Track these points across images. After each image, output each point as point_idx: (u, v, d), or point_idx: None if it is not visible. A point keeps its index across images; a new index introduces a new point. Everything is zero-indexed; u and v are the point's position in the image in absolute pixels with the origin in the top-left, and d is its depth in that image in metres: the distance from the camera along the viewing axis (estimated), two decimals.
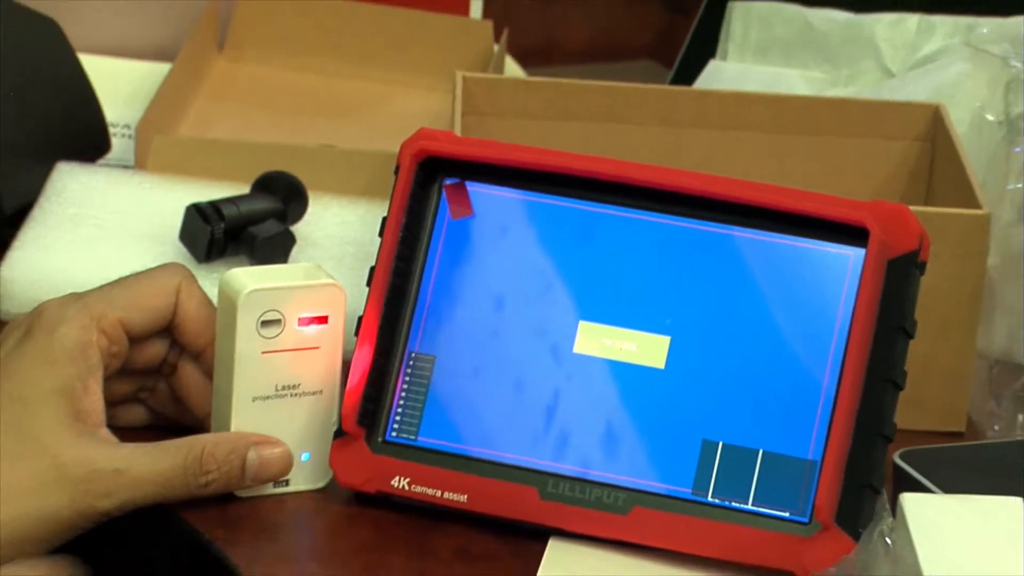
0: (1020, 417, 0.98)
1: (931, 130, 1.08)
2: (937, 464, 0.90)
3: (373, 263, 0.89)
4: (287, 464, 0.88)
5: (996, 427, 0.98)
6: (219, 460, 0.86)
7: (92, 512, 0.83)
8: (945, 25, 1.19)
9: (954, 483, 0.87)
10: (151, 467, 0.84)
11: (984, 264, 0.96)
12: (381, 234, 0.90)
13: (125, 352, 0.88)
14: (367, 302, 0.89)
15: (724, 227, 0.88)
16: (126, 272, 0.91)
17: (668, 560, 0.86)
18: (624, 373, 0.88)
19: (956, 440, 0.97)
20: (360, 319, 0.88)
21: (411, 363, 0.90)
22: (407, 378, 0.90)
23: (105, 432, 0.84)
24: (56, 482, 0.82)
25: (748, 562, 0.84)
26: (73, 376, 0.84)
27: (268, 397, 0.88)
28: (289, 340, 0.88)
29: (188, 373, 0.91)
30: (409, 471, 0.88)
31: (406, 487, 0.88)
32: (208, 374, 0.90)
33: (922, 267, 0.85)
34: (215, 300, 0.89)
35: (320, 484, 0.90)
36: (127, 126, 1.18)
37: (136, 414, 0.92)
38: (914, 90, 1.15)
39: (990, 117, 1.04)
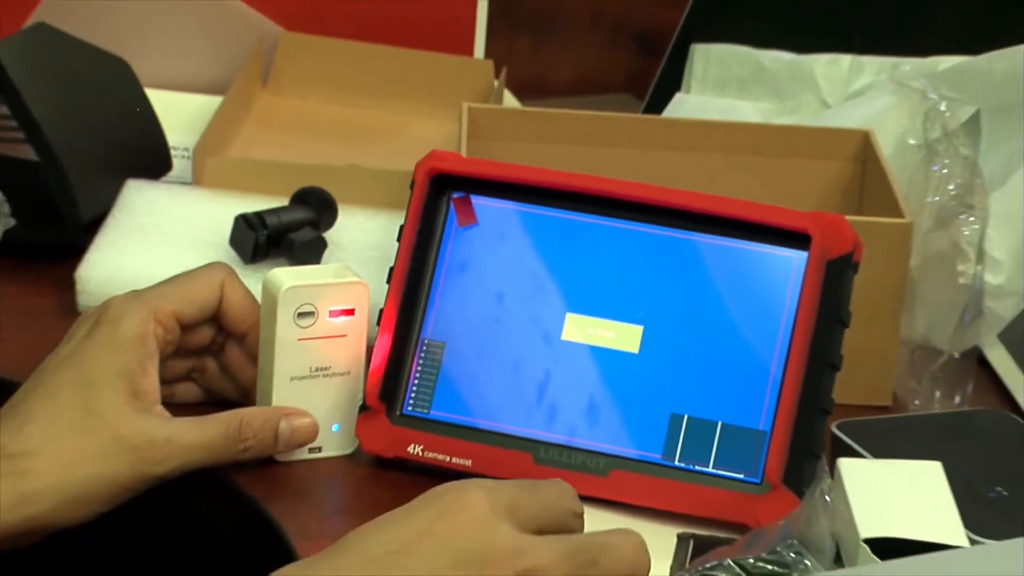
0: (937, 394, 0.97)
1: (862, 152, 1.08)
2: (868, 433, 0.90)
3: (392, 264, 0.89)
4: (313, 432, 0.88)
5: (917, 402, 0.97)
6: (255, 429, 0.86)
7: (148, 476, 0.83)
8: (873, 64, 1.20)
9: (882, 449, 0.87)
10: (198, 437, 0.84)
11: (907, 265, 0.96)
12: (399, 239, 0.89)
13: (178, 339, 0.88)
14: (387, 297, 0.89)
15: (688, 233, 0.88)
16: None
17: (642, 515, 0.85)
18: (604, 357, 0.87)
19: (884, 413, 0.97)
20: (381, 311, 0.88)
21: (424, 348, 0.89)
22: (421, 361, 0.89)
23: (159, 408, 0.84)
24: (117, 451, 0.82)
25: (709, 516, 0.84)
26: (133, 361, 0.84)
27: (304, 377, 0.88)
28: (321, 329, 0.88)
29: (233, 353, 0.91)
30: (423, 440, 0.87)
31: (420, 453, 0.87)
32: (249, 354, 0.90)
33: (855, 267, 0.85)
34: (258, 295, 0.89)
35: (348, 451, 0.90)
36: (186, 149, 1.17)
37: (190, 391, 0.92)
38: (847, 118, 1.15)
39: (911, 141, 1.04)
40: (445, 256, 0.90)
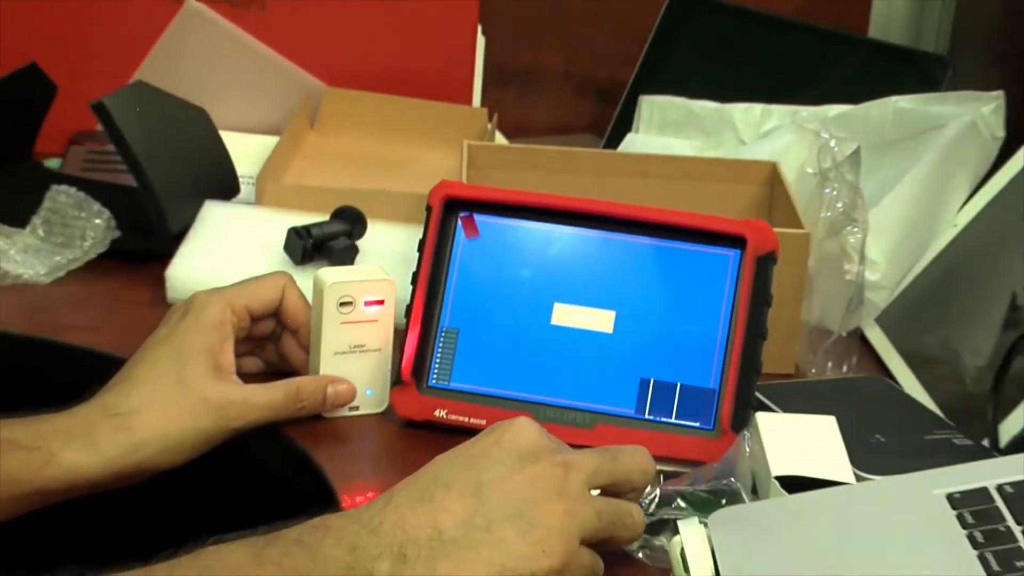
0: (829, 364, 0.97)
1: (770, 178, 1.07)
2: (778, 394, 0.90)
3: (415, 269, 0.88)
4: (352, 394, 0.88)
5: (813, 370, 0.97)
6: (309, 393, 0.86)
7: (227, 429, 0.83)
8: (779, 111, 1.20)
9: (788, 406, 0.87)
10: (266, 399, 0.84)
11: (806, 265, 0.95)
12: (419, 250, 0.89)
13: (248, 327, 0.88)
14: (413, 296, 0.88)
15: (648, 239, 0.87)
16: (249, 272, 0.91)
17: None
18: (586, 336, 0.87)
19: (788, 379, 0.96)
20: (409, 305, 0.88)
21: (443, 334, 0.88)
22: (441, 344, 0.88)
23: (235, 377, 0.85)
24: (204, 410, 0.82)
25: (674, 457, 0.83)
26: (215, 341, 0.84)
27: (344, 352, 0.87)
28: (358, 315, 0.87)
29: (289, 342, 0.91)
30: (446, 405, 0.86)
31: (444, 416, 0.86)
32: (301, 344, 0.90)
33: (776, 261, 0.85)
34: (308, 293, 0.89)
35: (379, 409, 0.89)
36: (251, 177, 1.16)
37: (255, 364, 0.92)
38: (759, 153, 1.14)
39: (809, 170, 1.03)
40: (456, 262, 0.89)
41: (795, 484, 0.74)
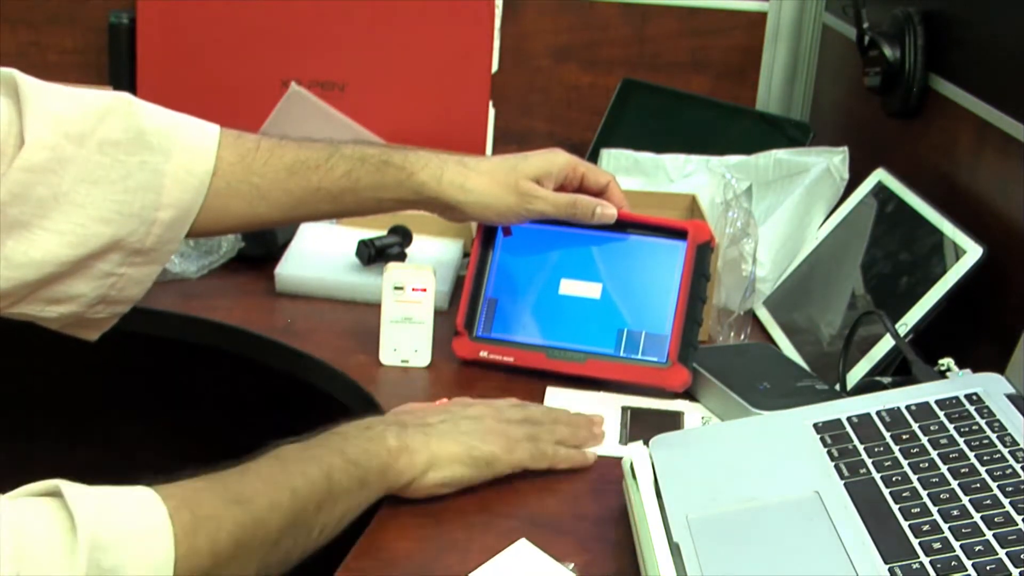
0: (731, 334, 0.97)
1: (691, 205, 1.07)
2: (698, 355, 0.87)
3: (466, 255, 0.89)
4: (612, 219, 0.84)
5: (720, 338, 0.97)
6: (582, 205, 0.83)
7: (523, 209, 0.81)
8: (696, 159, 1.18)
9: (704, 364, 0.85)
10: (555, 198, 0.82)
11: (716, 265, 0.95)
12: (471, 244, 0.88)
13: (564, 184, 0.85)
14: (467, 273, 0.87)
15: (624, 234, 0.86)
16: (339, 272, 0.91)
17: (602, 390, 0.84)
18: (582, 301, 0.86)
19: (704, 344, 0.94)
20: (464, 278, 0.88)
21: (487, 301, 0.88)
22: (485, 308, 0.88)
23: (538, 186, 0.82)
24: (515, 192, 0.80)
25: (640, 381, 0.83)
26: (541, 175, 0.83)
27: (398, 321, 0.86)
28: (407, 297, 0.86)
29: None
30: (488, 348, 0.86)
31: (486, 356, 0.86)
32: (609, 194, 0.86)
33: (711, 248, 0.85)
34: (372, 287, 0.90)
35: (423, 365, 0.87)
36: None
37: None
38: (683, 188, 1.14)
39: (716, 200, 1.02)
40: (497, 252, 0.88)
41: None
